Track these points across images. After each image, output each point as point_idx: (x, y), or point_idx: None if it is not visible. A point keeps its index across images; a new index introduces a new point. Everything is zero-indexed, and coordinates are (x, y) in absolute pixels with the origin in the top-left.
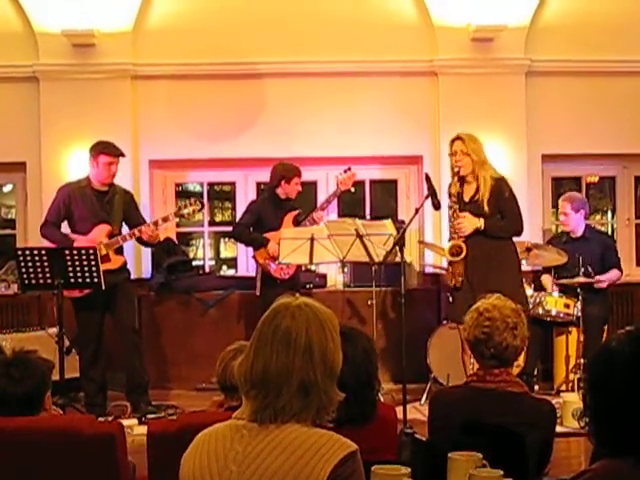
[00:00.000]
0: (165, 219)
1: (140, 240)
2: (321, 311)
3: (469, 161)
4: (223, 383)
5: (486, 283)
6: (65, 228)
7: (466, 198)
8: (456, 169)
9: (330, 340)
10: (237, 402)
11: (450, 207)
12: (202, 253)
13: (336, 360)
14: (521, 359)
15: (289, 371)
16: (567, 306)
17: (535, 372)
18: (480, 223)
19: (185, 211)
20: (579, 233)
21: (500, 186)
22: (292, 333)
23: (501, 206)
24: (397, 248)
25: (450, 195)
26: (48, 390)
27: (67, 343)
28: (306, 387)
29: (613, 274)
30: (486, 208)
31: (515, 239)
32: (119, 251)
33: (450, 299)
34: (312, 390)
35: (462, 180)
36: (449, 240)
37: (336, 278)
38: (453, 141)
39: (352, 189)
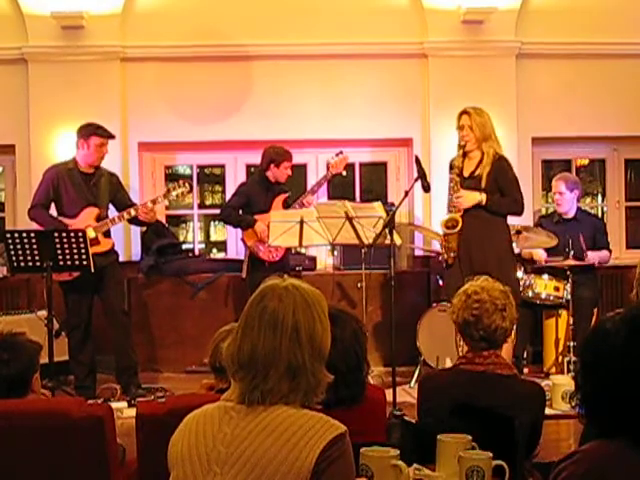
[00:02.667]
0: (154, 201)
1: (132, 220)
2: (309, 293)
3: (475, 135)
4: (213, 364)
5: (477, 263)
6: (52, 211)
7: (466, 173)
8: (462, 143)
9: (318, 322)
10: (227, 384)
11: (451, 180)
12: (192, 236)
13: (324, 342)
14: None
15: (276, 353)
16: (557, 289)
17: (524, 355)
18: (482, 197)
19: (174, 193)
20: (571, 214)
21: (502, 165)
22: (279, 315)
23: (502, 185)
24: (387, 230)
25: (452, 167)
26: (36, 372)
27: (56, 326)
28: (293, 369)
29: (603, 253)
30: (484, 182)
31: (522, 215)
32: (107, 234)
33: (440, 281)
34: (300, 372)
35: (464, 154)
36: (447, 213)
37: (326, 261)
38: (460, 115)
39: (344, 172)
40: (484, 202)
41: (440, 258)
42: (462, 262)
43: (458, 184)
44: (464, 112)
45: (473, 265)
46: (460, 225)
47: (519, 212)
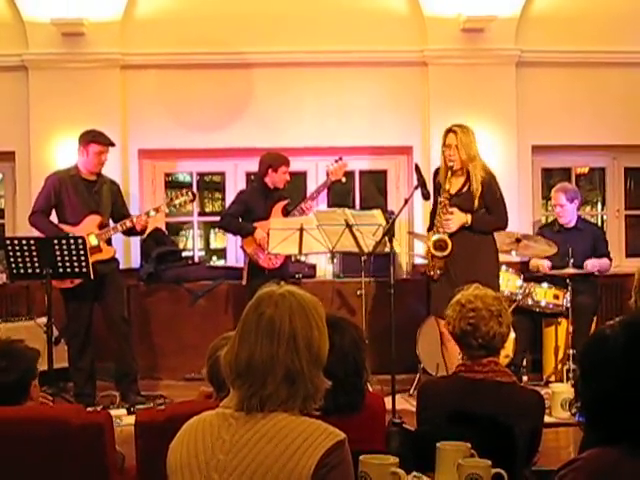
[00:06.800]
0: (157, 209)
1: (127, 231)
2: (305, 299)
3: (460, 157)
4: (211, 377)
5: (463, 277)
6: (53, 217)
7: (452, 191)
8: (450, 164)
9: (314, 328)
10: (225, 394)
11: (441, 202)
12: (192, 243)
13: (321, 348)
14: (510, 350)
15: (274, 360)
16: (556, 297)
17: (524, 363)
18: (467, 219)
19: (177, 202)
20: (572, 224)
21: (490, 183)
22: (275, 322)
23: (489, 203)
24: (386, 238)
25: (441, 188)
26: (34, 379)
27: (56, 333)
28: (292, 375)
29: (604, 261)
30: (477, 204)
31: (505, 230)
32: (109, 241)
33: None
34: (298, 378)
35: (451, 172)
36: (429, 230)
37: (325, 268)
38: (447, 133)
39: (343, 179)
40: (469, 223)
41: (426, 271)
42: (446, 276)
43: (447, 206)
44: (450, 130)
45: (458, 280)
46: (450, 248)
47: (503, 228)
